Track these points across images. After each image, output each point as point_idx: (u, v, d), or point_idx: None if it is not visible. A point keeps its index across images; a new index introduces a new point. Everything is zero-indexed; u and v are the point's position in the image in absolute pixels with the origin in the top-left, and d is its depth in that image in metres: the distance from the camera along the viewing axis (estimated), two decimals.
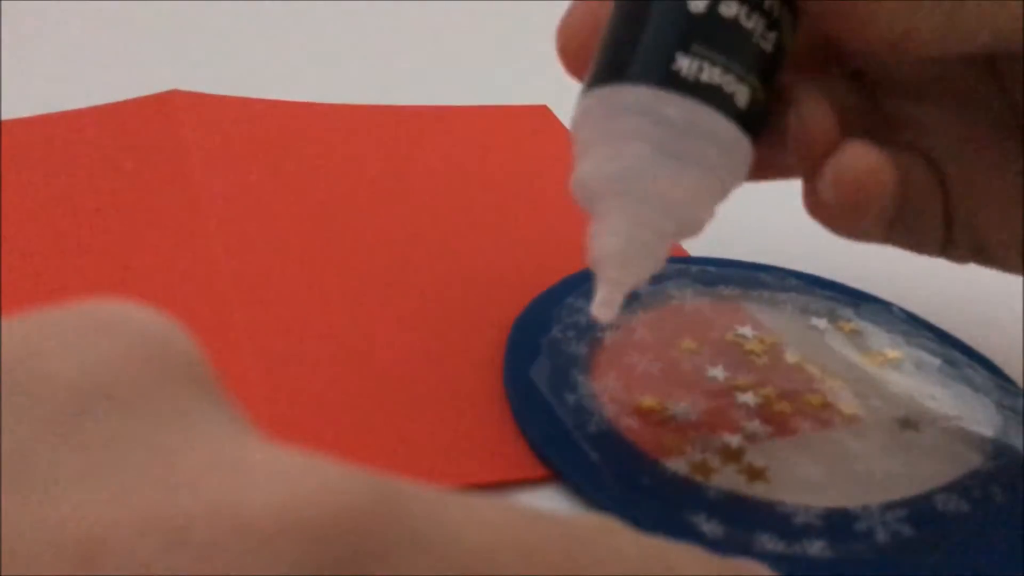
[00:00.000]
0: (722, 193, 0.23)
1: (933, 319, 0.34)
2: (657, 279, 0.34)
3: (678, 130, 0.21)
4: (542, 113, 0.48)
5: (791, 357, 0.31)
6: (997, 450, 0.28)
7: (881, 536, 0.25)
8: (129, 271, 0.32)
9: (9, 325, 0.13)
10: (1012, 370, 0.32)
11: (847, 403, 0.29)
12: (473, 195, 0.40)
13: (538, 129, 0.46)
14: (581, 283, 0.34)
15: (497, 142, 0.45)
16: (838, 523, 0.25)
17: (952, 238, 0.28)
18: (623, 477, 0.26)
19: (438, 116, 0.47)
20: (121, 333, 0.13)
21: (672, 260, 0.36)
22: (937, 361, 0.32)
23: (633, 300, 0.33)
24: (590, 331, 0.31)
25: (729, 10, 0.21)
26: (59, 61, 0.49)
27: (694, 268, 0.35)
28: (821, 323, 0.33)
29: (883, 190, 0.24)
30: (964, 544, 0.25)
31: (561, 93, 0.51)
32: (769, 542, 0.24)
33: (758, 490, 0.26)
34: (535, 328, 0.31)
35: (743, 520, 0.25)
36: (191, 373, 0.14)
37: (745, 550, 0.24)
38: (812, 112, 0.24)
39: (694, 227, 0.23)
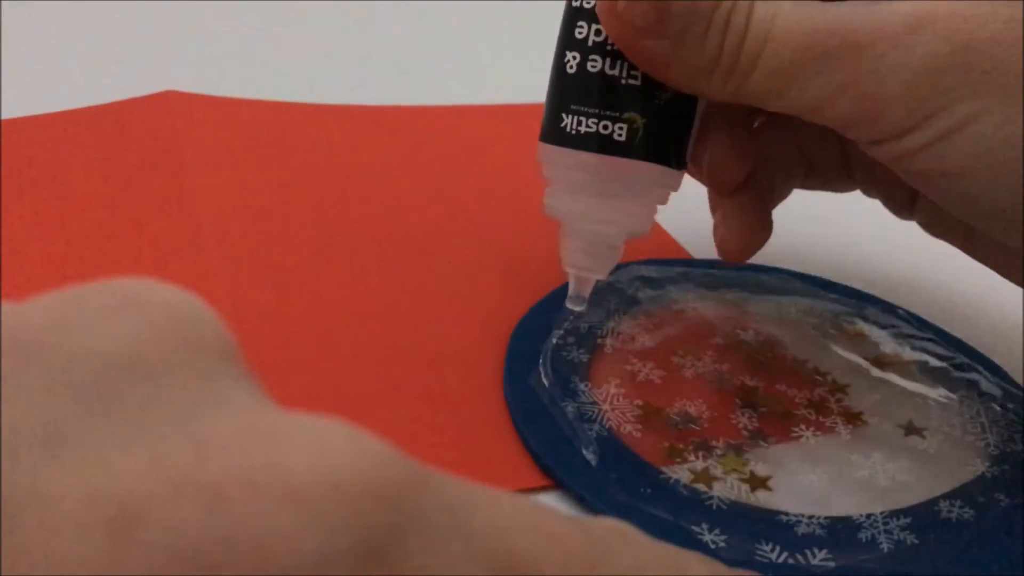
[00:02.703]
0: (651, 201, 0.28)
1: (939, 321, 0.34)
2: (659, 283, 0.34)
3: (583, 171, 0.27)
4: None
5: (794, 362, 0.31)
6: (1002, 456, 0.28)
7: (884, 545, 0.24)
8: (124, 270, 0.32)
9: (37, 301, 0.13)
10: (1017, 373, 0.32)
11: (851, 409, 0.29)
12: (473, 197, 0.40)
13: (539, 128, 0.46)
14: None
15: (498, 142, 0.45)
16: (841, 532, 0.25)
17: (855, 185, 0.33)
18: (624, 486, 0.25)
19: (437, 116, 0.47)
20: (148, 307, 0.13)
21: (675, 263, 0.36)
22: (942, 365, 0.31)
23: (634, 305, 0.33)
24: (590, 338, 0.31)
25: (595, 67, 0.26)
26: (55, 61, 0.49)
27: (697, 271, 0.35)
28: (825, 326, 0.33)
29: (755, 248, 0.31)
30: (968, 552, 0.24)
31: None
32: (771, 552, 0.24)
33: (760, 499, 0.26)
34: (535, 335, 0.31)
35: (745, 529, 0.24)
36: (218, 346, 0.14)
37: (747, 560, 0.24)
38: (720, 157, 0.29)
39: (637, 229, 0.28)
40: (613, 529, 0.16)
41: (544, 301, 0.33)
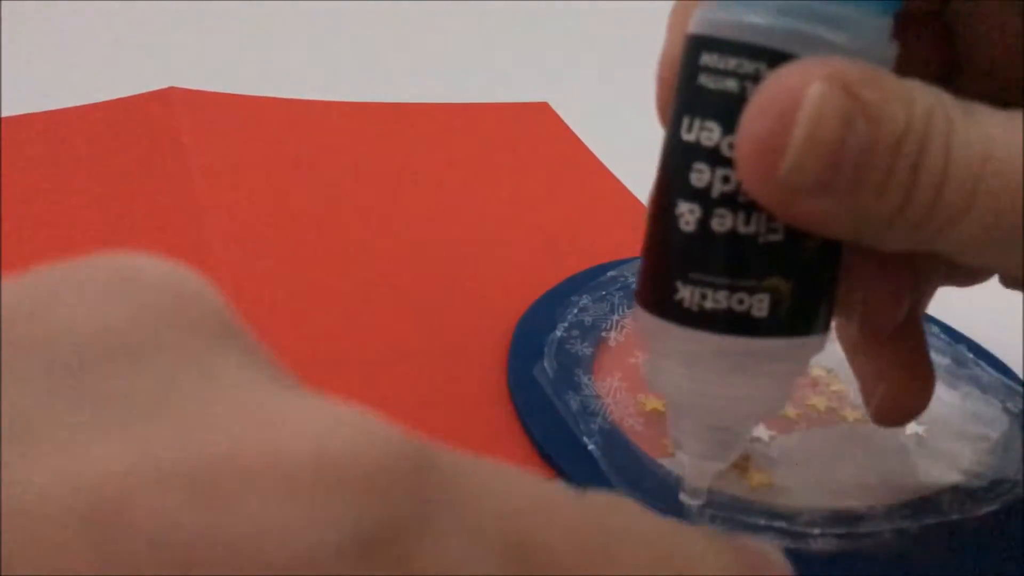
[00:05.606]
0: (791, 379, 0.22)
1: (941, 317, 0.34)
2: None
3: (699, 356, 0.20)
4: (543, 110, 0.48)
5: None
6: (1004, 451, 0.28)
7: (886, 538, 0.24)
8: None
9: (21, 278, 0.13)
10: (1020, 368, 0.32)
11: (853, 405, 0.29)
12: (475, 193, 0.40)
13: (539, 126, 0.46)
14: (585, 282, 0.33)
15: (498, 139, 0.45)
16: (843, 525, 0.25)
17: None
18: (625, 478, 0.26)
19: (439, 113, 0.47)
20: (136, 284, 0.13)
21: None
22: (945, 360, 0.31)
23: None
24: (594, 331, 0.31)
25: (722, 225, 0.19)
26: (58, 58, 0.49)
27: None
28: None
29: (922, 408, 0.25)
30: (969, 547, 0.25)
31: (561, 90, 0.51)
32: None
33: (762, 493, 0.26)
34: (539, 328, 0.31)
35: (747, 523, 0.25)
36: (214, 324, 0.13)
37: None
38: (877, 298, 0.23)
39: (770, 411, 0.22)
40: (613, 503, 0.15)
41: (548, 294, 0.33)
